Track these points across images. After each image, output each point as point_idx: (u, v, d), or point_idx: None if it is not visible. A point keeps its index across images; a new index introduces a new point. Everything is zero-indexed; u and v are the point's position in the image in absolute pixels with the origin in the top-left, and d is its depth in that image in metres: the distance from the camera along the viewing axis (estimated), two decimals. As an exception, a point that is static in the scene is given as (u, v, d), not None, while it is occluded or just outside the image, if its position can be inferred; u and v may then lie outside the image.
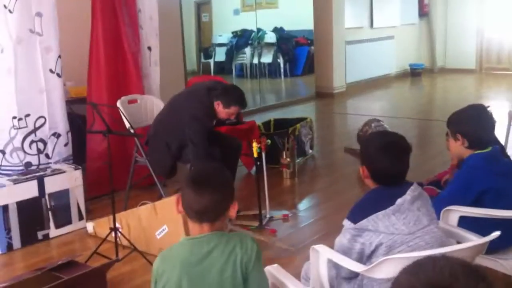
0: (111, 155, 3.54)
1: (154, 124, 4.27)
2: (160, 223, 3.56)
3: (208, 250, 1.73)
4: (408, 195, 1.96)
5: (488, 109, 2.60)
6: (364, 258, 1.97)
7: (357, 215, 1.99)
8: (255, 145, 3.95)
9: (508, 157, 3.31)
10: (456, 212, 2.37)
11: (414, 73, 12.09)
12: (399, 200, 1.94)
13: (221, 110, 4.01)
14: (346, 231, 2.01)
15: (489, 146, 2.54)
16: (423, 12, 12.40)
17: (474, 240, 2.03)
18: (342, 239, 2.02)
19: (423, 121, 7.80)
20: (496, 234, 1.87)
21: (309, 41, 10.83)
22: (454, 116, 2.61)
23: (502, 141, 4.54)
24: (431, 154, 5.78)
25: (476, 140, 2.52)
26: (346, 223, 2.02)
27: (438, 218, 2.40)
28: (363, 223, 1.94)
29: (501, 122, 4.60)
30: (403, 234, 1.90)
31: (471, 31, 12.23)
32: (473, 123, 2.54)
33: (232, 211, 1.80)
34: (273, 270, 2.12)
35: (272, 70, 11.80)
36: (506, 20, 11.90)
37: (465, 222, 2.36)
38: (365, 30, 10.96)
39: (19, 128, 4.13)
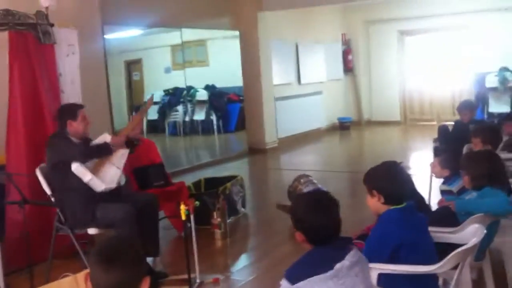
0: (31, 226, 3.38)
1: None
2: (82, 296, 3.38)
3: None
4: (347, 261, 1.99)
5: (401, 165, 2.69)
6: None
7: (295, 275, 2.00)
8: (182, 207, 3.89)
9: (426, 208, 3.42)
10: (373, 270, 2.39)
11: (342, 126, 12.47)
12: (337, 265, 1.97)
13: (75, 124, 4.07)
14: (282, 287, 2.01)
15: (403, 201, 2.60)
16: (348, 68, 12.95)
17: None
18: None
19: (353, 173, 7.98)
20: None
21: (240, 97, 11.00)
22: (369, 173, 2.69)
23: (426, 192, 4.70)
24: (360, 206, 5.87)
25: (390, 196, 2.58)
26: (284, 283, 2.02)
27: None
28: (300, 285, 1.96)
29: (425, 172, 4.82)
30: None
31: (394, 85, 12.84)
32: (386, 179, 2.61)
33: (144, 286, 1.72)
34: None
35: (205, 127, 11.83)
36: (424, 72, 12.59)
37: (385, 279, 2.38)
38: (293, 86, 11.28)
39: None
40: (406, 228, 2.54)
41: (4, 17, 4.39)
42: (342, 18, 12.73)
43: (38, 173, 4.12)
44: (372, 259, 2.45)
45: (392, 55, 12.77)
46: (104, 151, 4.07)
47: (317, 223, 2.07)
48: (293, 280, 1.99)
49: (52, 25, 4.76)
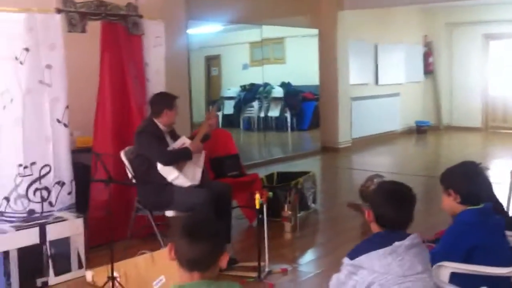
0: (113, 205, 3.59)
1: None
2: (157, 273, 3.56)
3: (196, 298, 1.75)
4: (407, 241, 2.06)
5: (480, 166, 2.65)
6: None
7: (356, 253, 2.10)
8: (257, 196, 3.99)
9: (504, 214, 3.33)
10: (446, 268, 2.38)
11: (419, 130, 12.18)
12: (396, 243, 2.04)
13: (171, 113, 4.34)
14: (344, 268, 2.11)
15: (481, 202, 2.56)
16: (428, 70, 12.62)
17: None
18: (339, 275, 2.13)
19: (428, 177, 7.81)
20: (482, 289, 1.88)
21: (316, 96, 11.01)
22: (446, 173, 2.67)
23: (504, 200, 4.56)
24: (434, 211, 5.75)
25: (467, 196, 2.56)
26: (345, 260, 2.13)
27: (431, 273, 2.41)
28: (360, 259, 2.05)
29: (504, 180, 4.67)
30: (396, 276, 1.96)
31: (476, 90, 12.39)
32: (464, 179, 2.59)
33: (223, 261, 1.83)
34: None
35: (279, 124, 11.93)
36: (509, 78, 12.07)
37: (457, 278, 2.36)
38: (370, 86, 11.14)
39: (24, 175, 4.21)
40: (483, 229, 2.51)
41: (97, 8, 4.66)
42: (423, 19, 12.43)
43: (123, 156, 4.36)
44: (445, 258, 2.45)
45: (475, 59, 12.33)
46: (185, 157, 4.27)
47: (389, 211, 2.16)
48: (353, 256, 2.09)
49: (141, 16, 5.00)
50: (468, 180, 2.58)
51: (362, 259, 2.04)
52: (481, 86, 12.38)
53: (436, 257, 2.46)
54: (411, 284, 1.98)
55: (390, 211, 2.16)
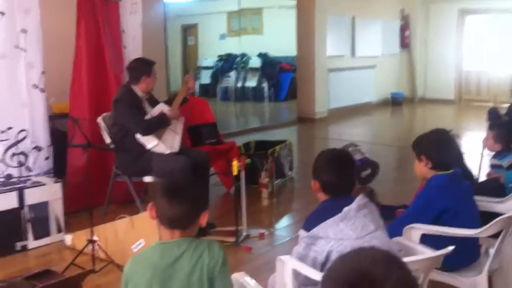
0: (91, 170, 3.62)
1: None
2: (136, 237, 3.61)
3: (178, 255, 1.82)
4: (354, 204, 2.12)
5: (451, 133, 2.75)
6: (318, 266, 2.07)
7: (310, 224, 2.15)
8: (235, 163, 4.04)
9: (473, 180, 3.45)
10: (417, 230, 2.48)
11: (395, 101, 12.35)
12: (345, 208, 2.10)
13: (148, 80, 4.33)
14: (302, 240, 2.15)
15: (451, 168, 2.66)
16: (404, 43, 12.73)
17: (429, 253, 2.13)
18: (298, 248, 2.16)
19: (401, 148, 7.96)
20: (449, 248, 1.98)
21: (293, 67, 11.04)
22: (418, 139, 2.76)
23: (476, 167, 4.71)
24: (407, 178, 5.90)
25: (438, 162, 2.65)
26: (301, 232, 2.18)
27: (401, 235, 2.51)
28: (315, 231, 2.09)
29: (476, 150, 4.81)
30: (352, 239, 2.02)
31: (451, 64, 12.58)
32: (435, 145, 2.68)
33: (203, 220, 1.89)
34: (239, 277, 2.20)
35: (256, 94, 11.97)
36: (484, 54, 12.25)
37: (427, 240, 2.46)
38: (347, 58, 11.21)
39: (1, 140, 4.18)
40: (453, 193, 2.61)
41: (75, -28, 4.59)
42: (401, -7, 12.49)
43: (100, 121, 4.36)
44: (416, 220, 2.55)
45: (451, 33, 12.48)
46: (163, 124, 4.28)
47: (332, 176, 2.23)
48: (308, 228, 2.14)
49: (118, -18, 4.95)
50: (439, 146, 2.67)
51: (316, 230, 2.09)
52: (456, 60, 12.55)
53: (407, 219, 2.57)
54: (366, 244, 2.02)
55: (332, 177, 2.23)
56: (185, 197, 1.84)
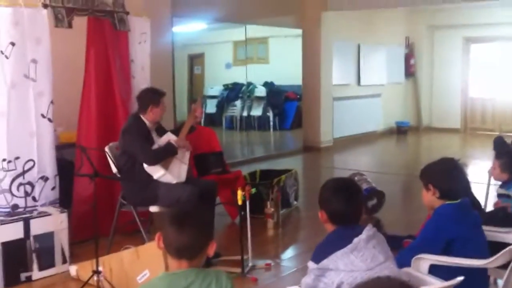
0: (97, 200, 3.62)
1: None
2: (142, 268, 3.60)
3: (185, 286, 1.80)
4: (363, 234, 2.11)
5: (459, 162, 2.74)
6: None
7: (318, 255, 2.14)
8: (239, 192, 4.04)
9: (481, 210, 3.43)
10: (426, 260, 2.46)
11: (400, 130, 12.35)
12: (355, 239, 2.09)
13: (156, 111, 4.32)
14: (311, 272, 2.13)
15: (459, 197, 2.65)
16: (409, 72, 12.79)
17: (438, 284, 2.11)
18: (307, 279, 2.15)
19: (408, 176, 7.94)
20: (458, 279, 1.96)
21: (298, 96, 11.09)
22: (426, 168, 2.76)
23: (482, 197, 4.68)
24: (413, 208, 5.88)
25: (446, 191, 2.64)
26: (310, 264, 2.16)
27: (409, 265, 2.49)
28: (324, 263, 2.08)
29: (482, 180, 4.79)
30: (362, 271, 2.01)
31: (456, 92, 12.60)
32: (443, 174, 2.68)
33: (211, 250, 1.88)
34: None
35: (261, 123, 12.00)
36: (489, 82, 12.30)
37: (436, 271, 2.44)
38: (352, 87, 11.27)
39: (8, 170, 4.20)
40: (461, 223, 2.60)
41: (84, 3, 4.68)
42: (406, 21, 12.59)
43: (107, 151, 4.38)
44: (424, 250, 2.53)
45: (456, 61, 12.54)
46: (170, 153, 4.28)
47: (338, 206, 2.22)
48: (317, 260, 2.12)
49: (127, 13, 5.03)
50: (447, 176, 2.67)
51: (326, 262, 2.08)
52: (461, 88, 12.59)
53: (416, 249, 2.55)
54: (377, 275, 2.03)
55: (339, 206, 2.21)
56: (193, 226, 1.84)
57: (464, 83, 12.59)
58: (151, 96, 4.37)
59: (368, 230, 2.14)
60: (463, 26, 12.13)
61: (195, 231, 1.83)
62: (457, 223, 2.56)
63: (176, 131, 4.46)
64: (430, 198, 2.70)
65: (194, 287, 1.80)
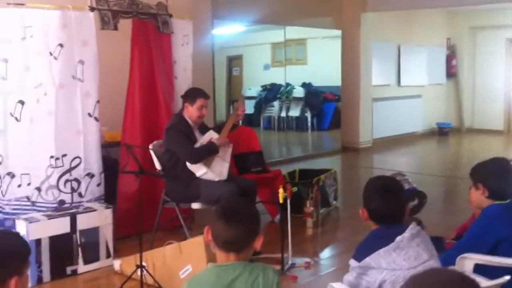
0: (142, 197, 3.71)
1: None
2: (184, 263, 3.67)
3: (233, 278, 1.85)
4: (407, 233, 2.10)
5: (511, 162, 2.71)
6: None
7: (361, 254, 2.14)
8: (281, 191, 4.07)
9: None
10: (470, 259, 2.45)
11: (441, 132, 12.16)
12: (398, 238, 2.09)
13: (190, 109, 4.36)
14: (353, 270, 2.15)
15: (508, 198, 2.62)
16: (451, 72, 12.58)
17: (484, 283, 2.10)
18: (349, 277, 2.16)
19: (449, 178, 7.83)
20: (506, 278, 1.95)
21: (336, 97, 11.06)
22: (477, 167, 2.74)
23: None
24: (454, 210, 5.80)
25: (496, 191, 2.62)
26: (352, 262, 2.17)
27: (454, 265, 2.48)
28: (367, 261, 2.08)
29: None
30: (405, 269, 2.01)
31: (499, 93, 12.34)
32: (494, 174, 2.66)
33: (258, 244, 1.93)
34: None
35: (299, 124, 12.00)
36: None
37: (481, 270, 2.42)
38: (392, 88, 11.16)
39: (56, 167, 4.35)
40: (509, 223, 2.56)
41: (129, 6, 4.80)
42: (447, 22, 12.40)
43: (152, 149, 4.48)
44: (470, 250, 2.51)
45: (499, 63, 12.26)
46: (213, 152, 4.34)
47: (380, 206, 2.21)
48: (359, 258, 2.12)
49: (170, 16, 5.13)
50: (498, 175, 2.64)
51: (368, 260, 2.07)
52: (504, 90, 12.31)
53: (461, 249, 2.53)
54: None
55: (380, 205, 2.21)
56: (241, 220, 1.88)
57: (507, 84, 12.30)
58: (189, 93, 4.48)
59: (412, 229, 2.13)
60: (506, 26, 11.86)
61: (243, 225, 1.87)
62: (505, 224, 2.54)
63: (218, 129, 4.53)
64: (478, 197, 2.68)
65: (242, 279, 1.85)
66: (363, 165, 9.15)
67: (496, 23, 11.88)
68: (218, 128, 4.56)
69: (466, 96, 12.65)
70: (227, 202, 2.05)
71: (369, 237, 2.26)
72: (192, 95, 4.45)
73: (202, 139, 4.40)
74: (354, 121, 10.04)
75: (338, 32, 10.09)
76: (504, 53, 12.22)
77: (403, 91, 11.35)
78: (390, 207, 2.22)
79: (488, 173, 2.67)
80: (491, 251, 2.53)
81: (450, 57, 12.55)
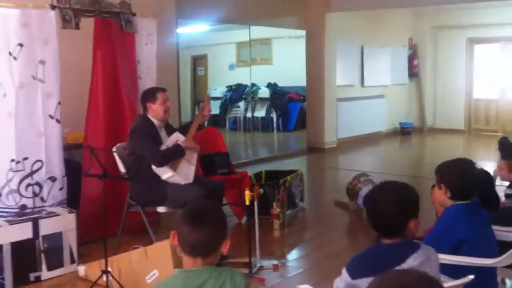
0: (106, 200, 3.63)
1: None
2: (150, 267, 3.61)
3: (200, 283, 1.81)
4: (415, 262, 1.95)
5: (475, 164, 2.75)
6: None
7: (356, 269, 2.00)
8: (247, 193, 4.04)
9: (498, 209, 3.43)
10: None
11: (404, 131, 12.35)
12: (404, 266, 1.91)
13: (154, 107, 4.31)
14: (344, 280, 2.01)
15: (470, 198, 2.66)
16: (413, 72, 12.80)
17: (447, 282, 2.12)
18: (339, 284, 2.04)
19: (412, 178, 7.94)
20: (469, 277, 1.97)
21: (301, 97, 11.12)
22: (442, 167, 2.75)
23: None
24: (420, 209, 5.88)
25: (458, 193, 2.64)
26: (344, 273, 2.02)
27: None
28: (361, 282, 1.91)
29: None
30: None
31: (460, 93, 12.59)
32: (458, 177, 2.66)
33: (225, 247, 1.89)
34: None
35: (265, 124, 12.01)
36: (493, 83, 12.30)
37: (445, 269, 2.45)
38: (356, 88, 11.28)
39: (16, 171, 4.23)
40: (471, 223, 2.60)
41: (91, 4, 4.70)
42: (410, 22, 12.60)
43: (115, 152, 4.39)
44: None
45: (459, 62, 12.53)
46: (179, 154, 4.26)
47: (383, 212, 2.05)
48: (354, 274, 1.97)
49: (134, 14, 5.05)
50: (461, 178, 2.65)
51: (363, 282, 1.88)
52: (465, 89, 12.58)
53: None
54: None
55: (385, 211, 2.05)
56: (208, 224, 1.84)
57: (468, 84, 12.59)
58: (146, 94, 4.42)
59: (420, 255, 1.96)
60: (467, 26, 12.13)
61: (210, 228, 1.84)
62: (466, 223, 2.57)
63: (183, 129, 4.47)
64: (441, 196, 2.70)
65: (209, 285, 1.81)
66: (329, 166, 9.22)
67: (457, 23, 12.14)
68: (183, 129, 4.50)
69: (428, 96, 12.89)
70: (193, 205, 2.00)
71: (369, 252, 2.09)
72: (150, 93, 4.39)
73: (168, 141, 4.33)
74: (319, 121, 10.11)
75: (302, 32, 10.13)
76: (464, 53, 12.49)
77: (366, 91, 11.49)
78: (393, 217, 2.03)
79: (451, 175, 2.69)
80: (454, 251, 2.56)
81: (412, 57, 12.77)
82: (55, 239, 4.08)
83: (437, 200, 2.76)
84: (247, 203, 4.04)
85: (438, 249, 2.52)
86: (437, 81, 12.95)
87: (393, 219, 2.04)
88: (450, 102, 12.67)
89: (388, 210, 2.04)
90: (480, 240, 2.58)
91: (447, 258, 2.51)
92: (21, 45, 4.17)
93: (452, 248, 2.56)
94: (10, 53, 4.15)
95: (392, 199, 2.07)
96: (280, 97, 11.99)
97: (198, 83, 12.46)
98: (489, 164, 8.45)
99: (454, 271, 2.44)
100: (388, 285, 1.06)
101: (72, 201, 4.65)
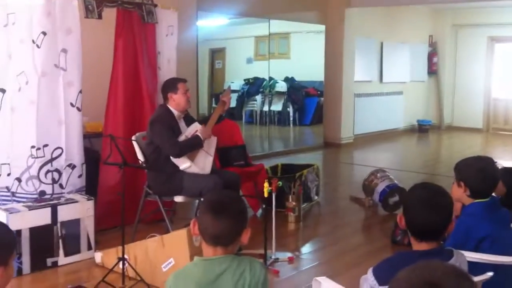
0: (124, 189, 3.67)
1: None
2: (166, 256, 3.65)
3: (220, 272, 1.83)
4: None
5: (495, 163, 2.72)
6: None
7: (383, 275, 1.93)
8: (266, 185, 4.05)
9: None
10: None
11: (421, 128, 12.28)
12: None
13: (176, 97, 4.35)
14: (369, 284, 1.97)
15: (489, 196, 2.65)
16: (432, 70, 12.70)
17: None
18: (364, 285, 2.01)
19: (428, 175, 7.90)
20: (489, 274, 1.96)
21: (318, 92, 11.09)
22: (462, 164, 2.72)
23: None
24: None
25: (477, 192, 2.63)
26: (370, 276, 1.98)
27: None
28: None
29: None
30: None
31: (479, 91, 12.48)
32: (478, 176, 2.63)
33: (245, 237, 1.91)
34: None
35: (281, 118, 12.01)
36: (512, 82, 12.17)
37: (468, 267, 2.44)
38: (374, 84, 11.23)
39: (37, 157, 4.28)
40: (490, 222, 2.58)
41: (113, -5, 4.73)
42: (430, 20, 12.50)
43: (134, 141, 4.44)
44: (459, 248, 2.52)
45: (479, 61, 12.41)
46: (196, 146, 4.30)
47: (421, 218, 2.02)
48: (382, 281, 1.91)
49: (155, 5, 5.07)
50: (481, 177, 2.63)
51: None
52: (484, 88, 12.46)
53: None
54: None
55: (424, 217, 2.01)
56: (230, 214, 1.86)
57: (487, 83, 12.46)
58: (168, 84, 4.44)
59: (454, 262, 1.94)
60: (488, 25, 11.99)
61: (231, 219, 1.85)
62: (484, 222, 2.56)
63: (203, 122, 4.49)
64: (460, 194, 2.69)
65: (228, 273, 1.83)
66: (345, 161, 9.20)
67: (478, 21, 12.01)
68: (203, 121, 4.53)
69: (447, 94, 12.79)
70: (214, 195, 2.02)
71: (399, 257, 2.03)
72: (171, 83, 4.43)
73: (187, 131, 4.36)
74: (336, 117, 10.09)
75: (322, 27, 10.10)
76: (485, 51, 12.36)
77: (385, 88, 11.43)
78: (429, 220, 1.98)
79: (471, 173, 2.65)
80: (473, 249, 2.55)
81: (432, 54, 12.67)
82: (73, 225, 4.14)
83: (455, 197, 2.74)
84: (265, 195, 4.05)
85: (462, 247, 2.51)
86: (456, 79, 12.84)
87: (438, 226, 2.03)
88: (468, 101, 12.56)
89: (435, 217, 2.02)
90: (499, 239, 2.56)
91: (470, 256, 2.50)
92: (44, 33, 4.21)
93: (474, 248, 2.55)
94: (33, 41, 4.19)
95: (438, 206, 2.04)
96: (297, 92, 11.97)
97: (216, 76, 12.48)
98: (506, 164, 8.38)
99: (473, 269, 2.43)
100: (418, 280, 1.06)
101: (90, 188, 4.71)
